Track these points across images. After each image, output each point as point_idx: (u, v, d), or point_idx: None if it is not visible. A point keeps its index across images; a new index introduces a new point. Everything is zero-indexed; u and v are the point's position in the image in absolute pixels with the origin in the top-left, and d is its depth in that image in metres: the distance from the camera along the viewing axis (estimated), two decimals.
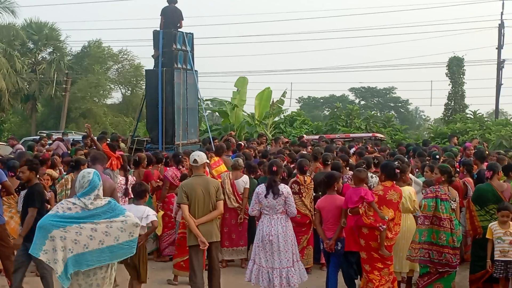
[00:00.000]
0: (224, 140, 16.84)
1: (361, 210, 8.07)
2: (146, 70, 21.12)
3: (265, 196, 8.47)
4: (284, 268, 8.44)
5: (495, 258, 8.30)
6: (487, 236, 8.41)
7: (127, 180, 11.12)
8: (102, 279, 4.77)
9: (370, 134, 24.86)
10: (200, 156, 8.39)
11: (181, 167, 11.60)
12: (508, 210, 8.37)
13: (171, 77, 17.34)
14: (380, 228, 7.97)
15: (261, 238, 8.51)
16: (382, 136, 24.58)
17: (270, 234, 8.42)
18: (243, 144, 17.12)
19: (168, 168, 11.87)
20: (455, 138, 19.73)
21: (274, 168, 8.70)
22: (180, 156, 11.80)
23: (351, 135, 24.50)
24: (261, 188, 8.60)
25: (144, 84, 20.67)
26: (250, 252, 11.43)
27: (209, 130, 19.88)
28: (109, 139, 15.78)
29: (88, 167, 8.69)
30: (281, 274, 8.42)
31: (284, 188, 8.57)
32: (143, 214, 7.74)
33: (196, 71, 18.53)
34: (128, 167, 12.01)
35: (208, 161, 9.04)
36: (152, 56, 18.09)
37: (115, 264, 4.99)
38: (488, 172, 9.14)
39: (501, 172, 9.32)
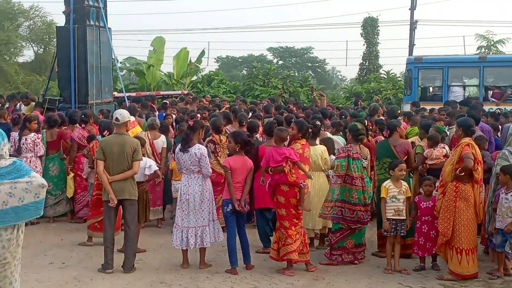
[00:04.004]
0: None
1: (286, 169, 8.16)
2: (57, 27, 20.42)
3: (182, 152, 8.42)
4: (199, 227, 8.44)
5: (388, 217, 8.46)
6: (381, 196, 8.54)
7: (20, 138, 10.91)
8: (8, 241, 4.62)
9: (180, 92, 25.60)
10: (122, 114, 8.42)
11: (84, 125, 11.57)
12: (402, 163, 8.65)
13: (83, 34, 16.81)
14: (301, 185, 8.16)
15: (180, 197, 8.50)
16: (191, 93, 25.13)
17: (187, 193, 8.40)
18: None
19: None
20: (361, 100, 21.23)
21: (191, 123, 8.68)
22: (84, 116, 11.66)
23: (161, 92, 25.34)
24: (178, 147, 8.56)
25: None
26: (165, 212, 11.48)
27: (123, 90, 19.51)
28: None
29: None
30: (196, 233, 8.42)
31: (198, 149, 8.46)
32: (145, 165, 9.05)
33: (109, 28, 18.03)
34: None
35: (132, 119, 8.98)
36: (63, 12, 17.44)
37: (23, 225, 4.86)
38: (385, 132, 9.45)
39: (402, 129, 9.64)
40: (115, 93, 21.00)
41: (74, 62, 16.80)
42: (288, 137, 8.88)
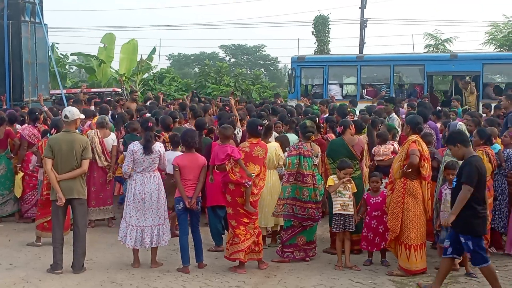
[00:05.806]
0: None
1: (228, 167, 8.15)
2: None
3: (143, 153, 8.34)
4: (156, 226, 8.41)
5: (334, 212, 8.60)
6: (329, 184, 8.67)
7: None
8: None
9: (111, 89, 26.09)
10: (71, 111, 8.30)
11: (38, 124, 11.30)
12: (350, 167, 8.69)
13: (18, 30, 16.62)
14: (246, 184, 8.11)
15: (133, 197, 8.39)
16: (120, 90, 25.30)
17: (142, 193, 8.34)
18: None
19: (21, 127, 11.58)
20: (280, 98, 21.87)
21: (150, 124, 8.59)
22: (37, 113, 11.44)
23: (92, 89, 25.48)
24: (137, 146, 8.44)
25: None
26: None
27: (61, 87, 19.26)
28: None
29: None
30: (153, 232, 8.38)
31: (160, 147, 8.53)
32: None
33: (46, 24, 17.77)
34: None
35: (82, 117, 8.80)
36: None
37: None
38: (339, 128, 9.49)
39: (353, 127, 9.68)
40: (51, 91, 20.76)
41: (8, 59, 16.55)
42: (233, 135, 8.96)
